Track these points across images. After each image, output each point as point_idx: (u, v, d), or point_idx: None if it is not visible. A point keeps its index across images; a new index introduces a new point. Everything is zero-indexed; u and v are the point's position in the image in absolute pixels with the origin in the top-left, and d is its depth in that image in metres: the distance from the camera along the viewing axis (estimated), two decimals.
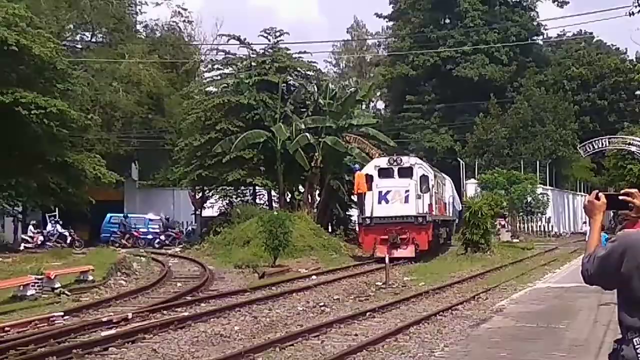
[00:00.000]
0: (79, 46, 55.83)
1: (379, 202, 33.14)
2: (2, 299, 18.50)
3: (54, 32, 41.71)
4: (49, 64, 37.42)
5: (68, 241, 41.43)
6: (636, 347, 3.58)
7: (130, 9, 59.21)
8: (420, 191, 33.48)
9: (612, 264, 3.71)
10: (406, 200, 33.15)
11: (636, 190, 3.96)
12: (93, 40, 56.93)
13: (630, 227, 3.94)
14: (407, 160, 35.09)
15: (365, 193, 33.60)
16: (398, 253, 31.46)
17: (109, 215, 48.11)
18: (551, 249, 39.00)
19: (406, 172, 33.94)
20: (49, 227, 42.41)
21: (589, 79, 72.83)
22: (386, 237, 32.03)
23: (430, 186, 34.49)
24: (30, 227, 41.02)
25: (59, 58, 37.93)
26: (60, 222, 43.25)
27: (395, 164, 34.36)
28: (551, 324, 13.60)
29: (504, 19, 71.22)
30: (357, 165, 37.36)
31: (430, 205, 34.00)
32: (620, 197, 4.00)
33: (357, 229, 40.41)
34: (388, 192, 33.43)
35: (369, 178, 33.70)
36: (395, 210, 32.82)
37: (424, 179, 34.19)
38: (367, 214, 33.16)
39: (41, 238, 40.49)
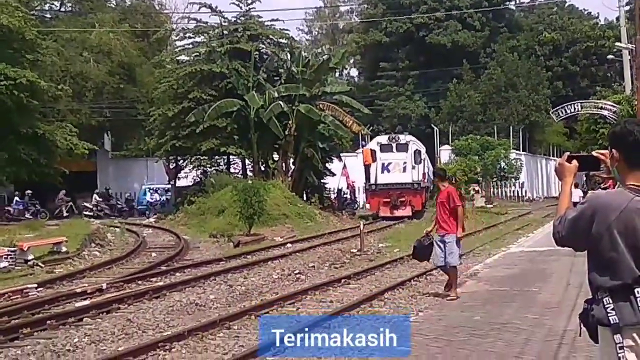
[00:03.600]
0: (48, 15, 55.05)
1: (382, 172, 39.60)
2: None
3: (22, 1, 41.03)
4: (17, 34, 36.91)
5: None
6: (606, 306, 3.61)
7: None
8: (415, 163, 40.18)
9: (583, 226, 3.73)
10: (404, 170, 39.64)
11: (607, 151, 3.96)
12: (62, 9, 56.22)
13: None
14: (403, 138, 41.95)
15: (370, 164, 39.88)
16: (398, 213, 37.80)
17: (144, 187, 49.41)
18: (524, 213, 39.25)
19: (403, 147, 40.45)
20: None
21: (561, 44, 73.00)
22: (388, 200, 38.37)
23: (422, 159, 41.59)
24: (95, 195, 40.95)
25: (27, 28, 37.40)
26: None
27: (394, 140, 41.01)
28: (524, 287, 13.71)
29: None
30: (364, 142, 43.27)
31: (424, 174, 40.95)
32: (595, 154, 4.00)
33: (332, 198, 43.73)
34: (389, 163, 39.88)
35: (373, 152, 40.06)
36: (395, 178, 39.29)
37: (417, 153, 40.99)
38: (372, 181, 39.70)
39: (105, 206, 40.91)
